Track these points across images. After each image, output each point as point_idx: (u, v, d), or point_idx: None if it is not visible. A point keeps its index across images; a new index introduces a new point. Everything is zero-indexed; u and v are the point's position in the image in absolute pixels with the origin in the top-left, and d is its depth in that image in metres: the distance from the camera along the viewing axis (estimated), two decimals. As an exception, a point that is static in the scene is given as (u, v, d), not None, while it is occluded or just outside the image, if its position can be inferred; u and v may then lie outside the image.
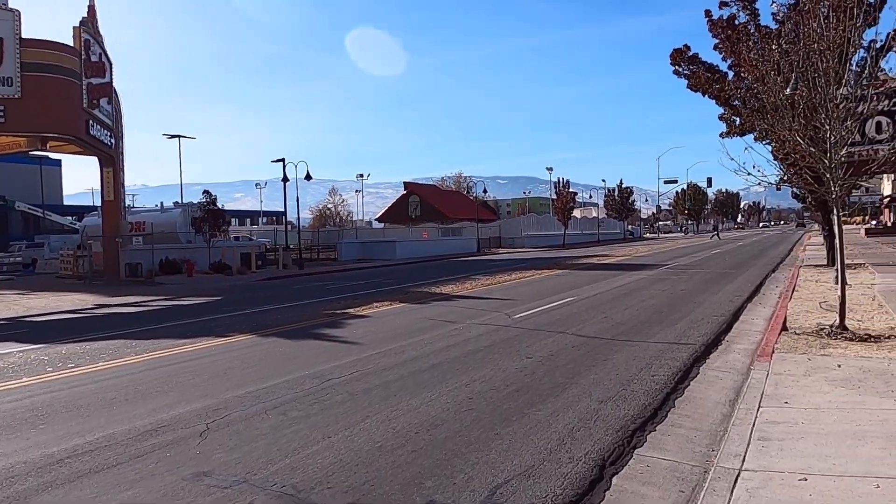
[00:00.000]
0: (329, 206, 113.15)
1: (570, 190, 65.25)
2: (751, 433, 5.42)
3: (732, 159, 10.15)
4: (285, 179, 36.16)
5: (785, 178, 12.25)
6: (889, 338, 9.16)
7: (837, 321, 9.75)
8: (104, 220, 31.33)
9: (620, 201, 78.05)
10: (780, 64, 10.31)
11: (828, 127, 9.40)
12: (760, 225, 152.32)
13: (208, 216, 32.16)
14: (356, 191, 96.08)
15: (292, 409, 6.49)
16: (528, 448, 5.17)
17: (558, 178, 60.28)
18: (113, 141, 29.89)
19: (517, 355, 8.90)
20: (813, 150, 9.61)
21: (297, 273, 32.07)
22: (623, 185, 79.12)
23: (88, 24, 27.29)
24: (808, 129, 9.93)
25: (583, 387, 7.07)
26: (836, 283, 17.39)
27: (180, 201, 41.75)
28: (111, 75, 29.71)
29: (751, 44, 18.00)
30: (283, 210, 45.55)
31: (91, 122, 27.10)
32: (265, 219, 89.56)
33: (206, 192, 32.93)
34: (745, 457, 4.93)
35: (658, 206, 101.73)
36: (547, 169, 71.28)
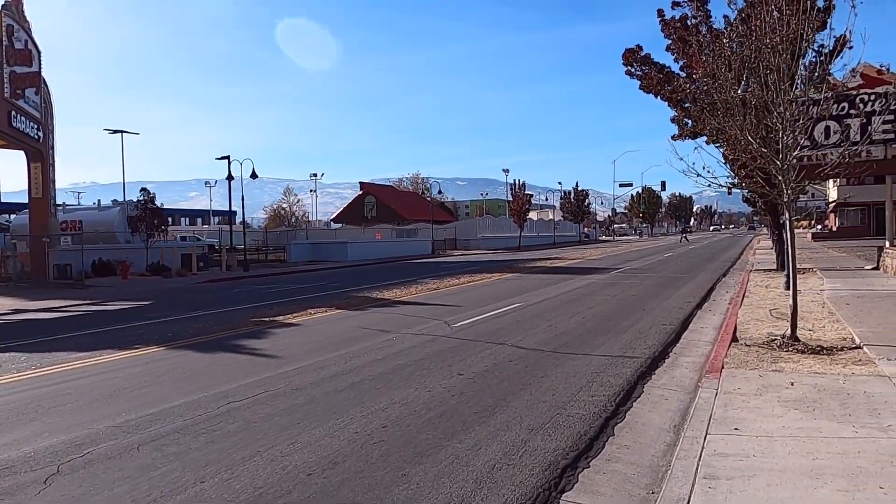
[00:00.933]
0: (284, 206, 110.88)
1: (527, 192, 65.10)
2: (696, 469, 4.71)
3: (682, 159, 9.58)
4: (230, 178, 34.79)
5: (735, 181, 11.77)
6: (842, 350, 8.67)
7: (789, 332, 9.24)
8: (31, 218, 29.39)
9: (576, 204, 78.26)
10: (731, 59, 9.79)
11: (780, 127, 8.90)
12: (711, 229, 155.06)
13: (146, 215, 30.53)
14: (311, 190, 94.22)
15: (172, 442, 5.53)
16: (437, 495, 4.34)
17: (514, 180, 59.94)
18: (41, 134, 28.03)
19: (449, 371, 8.08)
20: (765, 150, 9.09)
21: (240, 275, 30.70)
22: (579, 188, 79.38)
23: (12, 9, 25.47)
24: (760, 129, 9.43)
25: (514, 411, 6.29)
26: (787, 288, 17.11)
27: (123, 199, 39.75)
28: (39, 64, 27.87)
29: (701, 38, 17.64)
30: (234, 210, 44.09)
31: (14, 112, 25.27)
32: (218, 218, 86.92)
33: (143, 189, 31.29)
34: (689, 501, 4.22)
35: (613, 209, 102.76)
36: (503, 170, 70.98)
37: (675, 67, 21.73)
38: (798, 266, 23.52)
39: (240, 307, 16.24)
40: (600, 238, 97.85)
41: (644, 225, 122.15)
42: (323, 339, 10.86)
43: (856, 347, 8.74)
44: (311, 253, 45.11)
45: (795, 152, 8.94)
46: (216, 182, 76.41)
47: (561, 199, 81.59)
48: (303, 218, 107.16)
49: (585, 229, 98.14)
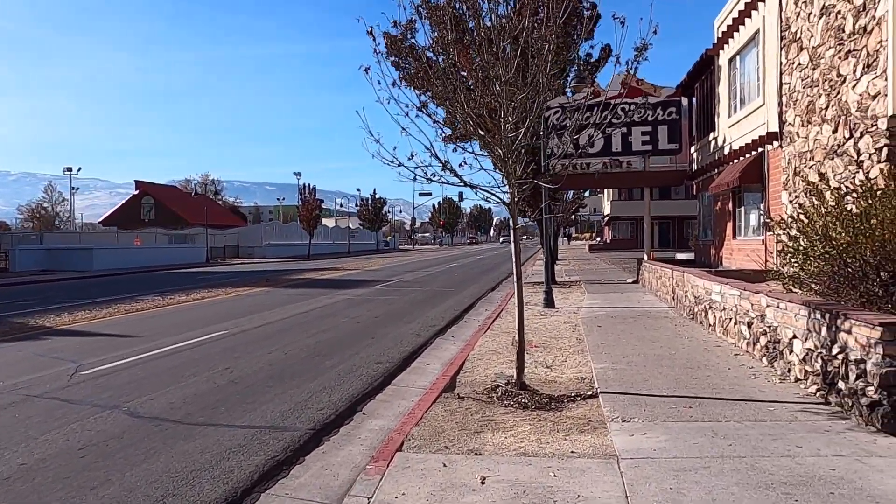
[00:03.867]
0: (45, 205, 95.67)
1: (322, 198, 61.69)
2: None
3: (377, 141, 6.93)
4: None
5: (447, 172, 9.46)
6: (575, 399, 6.56)
7: (515, 376, 7.00)
8: None
9: (374, 211, 76.04)
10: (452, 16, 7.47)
11: (501, 102, 6.66)
12: (501, 240, 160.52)
13: None
14: (73, 189, 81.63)
15: None
16: None
17: (303, 185, 55.94)
18: None
19: (-65, 483, 4.55)
20: (482, 132, 6.79)
21: (-87, 290, 23.57)
22: (376, 195, 77.26)
23: None
24: (483, 108, 7.15)
25: None
26: (546, 306, 15.66)
27: None
28: None
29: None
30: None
31: None
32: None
33: None
34: None
35: (413, 218, 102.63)
36: (294, 174, 66.47)
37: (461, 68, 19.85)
38: (567, 279, 22.78)
39: None
40: (400, 247, 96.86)
41: (445, 234, 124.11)
42: None
43: (592, 396, 6.69)
44: (47, 260, 37.61)
45: (520, 138, 6.75)
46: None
47: (358, 206, 78.80)
48: (67, 219, 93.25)
49: (387, 238, 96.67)
